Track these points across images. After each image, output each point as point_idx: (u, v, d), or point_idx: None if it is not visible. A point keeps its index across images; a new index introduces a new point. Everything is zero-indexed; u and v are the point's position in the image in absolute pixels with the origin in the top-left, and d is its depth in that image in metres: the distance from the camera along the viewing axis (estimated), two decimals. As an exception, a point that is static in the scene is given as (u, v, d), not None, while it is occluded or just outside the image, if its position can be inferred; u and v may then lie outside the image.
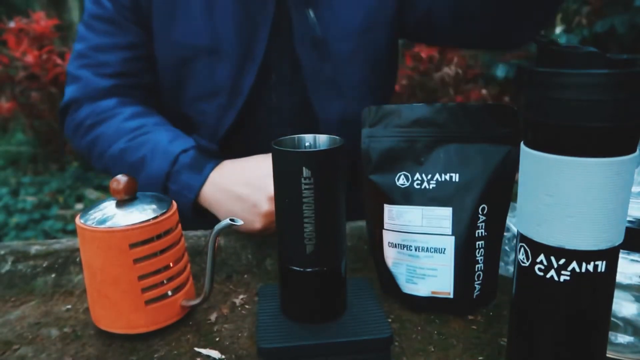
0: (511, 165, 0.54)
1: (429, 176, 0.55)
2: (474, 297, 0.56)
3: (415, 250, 0.56)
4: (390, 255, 0.58)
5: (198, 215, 0.72)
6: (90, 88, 0.79)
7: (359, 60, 0.80)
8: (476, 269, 0.55)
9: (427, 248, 0.55)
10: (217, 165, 0.71)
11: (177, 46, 0.77)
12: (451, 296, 0.55)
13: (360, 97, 0.81)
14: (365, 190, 0.59)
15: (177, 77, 0.80)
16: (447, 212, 0.54)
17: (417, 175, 0.55)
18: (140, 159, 0.73)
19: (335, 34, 0.78)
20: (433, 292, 0.56)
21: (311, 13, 0.76)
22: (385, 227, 0.57)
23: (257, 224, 0.66)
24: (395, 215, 0.56)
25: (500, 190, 0.55)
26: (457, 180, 0.54)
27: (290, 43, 0.77)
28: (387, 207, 0.57)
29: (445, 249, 0.55)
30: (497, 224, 0.55)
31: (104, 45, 0.78)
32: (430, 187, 0.55)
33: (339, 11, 0.78)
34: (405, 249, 0.56)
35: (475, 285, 0.56)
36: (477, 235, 0.54)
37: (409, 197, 0.56)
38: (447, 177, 0.54)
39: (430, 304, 0.56)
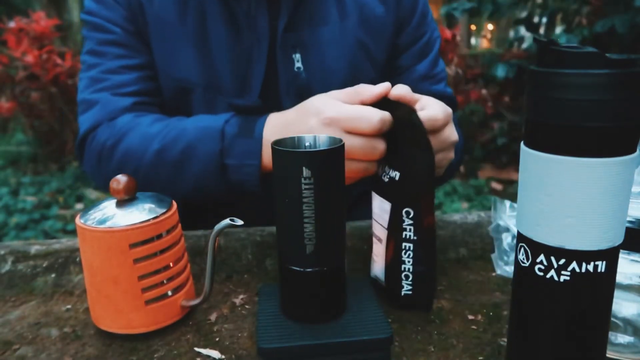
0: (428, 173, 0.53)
1: (387, 169, 0.56)
2: (402, 294, 0.57)
3: (372, 236, 0.60)
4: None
5: (266, 186, 0.65)
6: (110, 109, 0.74)
7: None
8: (402, 269, 0.56)
9: (376, 235, 0.59)
10: (266, 121, 0.65)
11: (174, 79, 0.77)
12: (383, 284, 0.59)
13: None
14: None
15: (177, 104, 0.79)
16: (388, 206, 0.56)
17: (381, 166, 0.58)
18: (183, 152, 0.67)
19: (321, 83, 0.77)
20: (373, 276, 0.60)
21: (298, 57, 0.76)
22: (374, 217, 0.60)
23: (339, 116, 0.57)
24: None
25: (425, 197, 0.54)
26: (397, 178, 0.55)
27: (276, 89, 0.76)
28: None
29: (382, 240, 0.58)
30: (426, 229, 0.54)
31: (119, 67, 0.76)
32: (386, 180, 0.56)
33: (325, 61, 0.78)
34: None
35: (404, 284, 0.56)
36: (403, 236, 0.55)
37: (377, 185, 0.58)
38: (393, 174, 0.55)
39: (373, 286, 0.58)
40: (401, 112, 0.54)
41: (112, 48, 0.76)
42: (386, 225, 0.56)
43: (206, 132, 0.67)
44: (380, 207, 0.57)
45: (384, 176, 0.57)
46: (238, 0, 0.74)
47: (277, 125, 0.64)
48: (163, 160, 0.69)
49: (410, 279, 0.56)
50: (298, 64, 0.76)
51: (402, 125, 0.54)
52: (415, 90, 0.64)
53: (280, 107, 0.75)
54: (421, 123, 0.51)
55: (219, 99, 0.77)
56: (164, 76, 0.78)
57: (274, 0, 0.74)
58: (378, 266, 0.59)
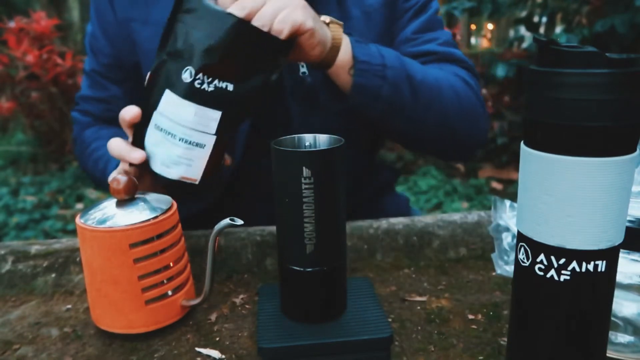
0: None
1: (209, 79, 0.56)
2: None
3: (180, 140, 0.58)
4: (153, 136, 0.59)
5: None
6: (80, 125, 0.89)
7: (350, 115, 0.80)
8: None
9: (190, 142, 0.57)
10: None
11: None
12: (197, 183, 0.60)
13: (351, 143, 0.80)
14: (157, 64, 0.59)
15: None
16: (217, 115, 0.57)
17: (200, 75, 0.55)
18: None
19: (326, 87, 0.76)
20: (182, 177, 0.59)
21: (302, 62, 0.75)
22: (159, 110, 0.58)
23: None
24: (172, 103, 0.57)
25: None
26: (230, 89, 0.56)
27: (283, 93, 0.76)
28: (169, 92, 0.57)
29: (205, 145, 0.58)
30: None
31: (87, 97, 0.87)
32: (209, 90, 0.56)
33: None
34: (170, 136, 0.58)
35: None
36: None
37: (188, 92, 0.56)
38: (223, 85, 0.56)
39: (173, 185, 0.60)
40: None
41: (87, 78, 0.87)
42: (214, 132, 0.57)
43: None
44: (200, 115, 0.57)
45: (201, 85, 0.57)
46: None
47: None
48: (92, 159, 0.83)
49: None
50: (303, 69, 0.76)
51: None
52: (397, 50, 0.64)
53: (287, 111, 0.76)
54: None
55: None
56: None
57: None
58: (191, 169, 0.59)
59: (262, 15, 0.56)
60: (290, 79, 0.76)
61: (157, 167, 0.60)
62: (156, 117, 0.58)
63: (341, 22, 0.67)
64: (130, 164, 0.60)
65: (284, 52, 0.59)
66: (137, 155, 0.59)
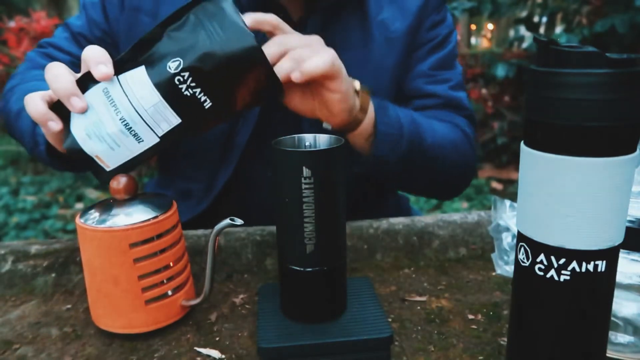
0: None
1: (193, 84, 0.50)
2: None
3: (120, 120, 0.50)
4: (94, 96, 0.51)
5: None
6: (33, 64, 0.78)
7: None
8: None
9: (131, 128, 0.50)
10: None
11: None
12: (107, 169, 0.53)
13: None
14: (151, 36, 0.52)
15: None
16: (175, 121, 0.51)
17: (186, 74, 0.50)
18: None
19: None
20: (97, 156, 0.52)
21: None
22: (120, 77, 0.51)
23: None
24: (138, 81, 0.50)
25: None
26: (206, 107, 0.51)
27: (297, 116, 0.75)
28: (143, 70, 0.51)
29: (143, 141, 0.51)
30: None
31: (60, 48, 0.79)
32: (185, 93, 0.50)
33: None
34: (113, 109, 0.50)
35: None
36: None
37: (163, 83, 0.50)
38: (203, 98, 0.51)
39: (78, 153, 0.52)
40: None
41: (76, 35, 0.79)
42: (160, 134, 0.51)
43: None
44: (162, 114, 0.51)
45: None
46: None
47: None
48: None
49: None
50: None
51: None
52: (409, 85, 0.62)
53: (299, 126, 0.74)
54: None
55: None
56: None
57: (300, 25, 0.74)
58: (115, 154, 0.52)
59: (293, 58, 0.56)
60: None
61: (77, 130, 0.52)
62: (112, 81, 0.51)
63: (369, 89, 0.67)
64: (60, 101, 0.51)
65: (274, 96, 0.56)
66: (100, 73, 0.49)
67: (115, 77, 0.51)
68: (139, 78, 0.50)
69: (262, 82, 0.52)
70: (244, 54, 0.49)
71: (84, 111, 0.51)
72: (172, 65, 0.49)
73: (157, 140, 0.52)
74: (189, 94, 0.50)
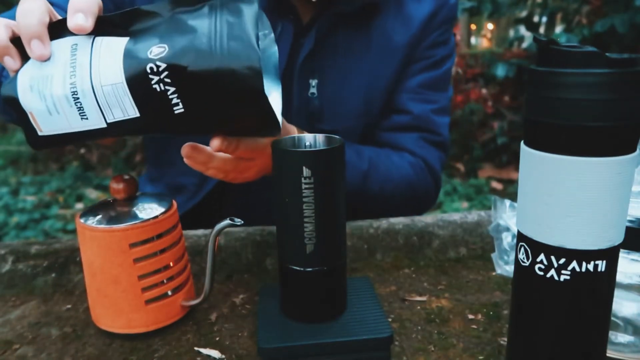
0: None
1: (169, 81, 0.43)
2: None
3: (71, 85, 0.43)
4: (59, 51, 0.44)
5: None
6: None
7: (353, 134, 0.81)
8: None
9: (78, 100, 0.43)
10: None
11: None
12: (38, 133, 0.45)
13: None
14: (151, 12, 0.45)
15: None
16: (132, 113, 0.44)
17: (164, 67, 0.43)
18: None
19: (332, 110, 0.77)
20: (31, 113, 0.45)
21: (314, 83, 0.75)
22: (94, 40, 0.44)
23: None
24: (109, 52, 0.43)
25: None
26: (176, 112, 0.44)
27: (288, 110, 0.76)
28: (121, 41, 0.43)
29: (88, 119, 0.44)
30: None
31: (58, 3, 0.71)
32: (154, 88, 0.43)
33: (341, 91, 0.77)
34: (71, 70, 0.43)
35: None
36: None
37: (133, 66, 0.42)
38: (175, 101, 0.44)
39: (13, 105, 0.44)
40: None
41: None
42: (109, 120, 0.44)
43: None
44: (120, 100, 0.43)
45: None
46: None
47: None
48: None
49: None
50: (313, 90, 0.76)
51: None
52: (394, 97, 0.62)
53: (297, 124, 0.75)
54: None
55: None
56: None
57: (302, 27, 0.75)
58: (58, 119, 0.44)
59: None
60: (298, 98, 0.76)
61: (23, 77, 0.44)
62: (86, 40, 0.43)
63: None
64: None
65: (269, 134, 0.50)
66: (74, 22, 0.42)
67: (92, 36, 0.43)
68: (114, 48, 0.42)
69: (250, 109, 0.44)
70: (240, 71, 0.41)
71: (43, 59, 0.43)
72: (155, 51, 0.42)
73: (104, 125, 0.44)
74: (158, 90, 0.42)
